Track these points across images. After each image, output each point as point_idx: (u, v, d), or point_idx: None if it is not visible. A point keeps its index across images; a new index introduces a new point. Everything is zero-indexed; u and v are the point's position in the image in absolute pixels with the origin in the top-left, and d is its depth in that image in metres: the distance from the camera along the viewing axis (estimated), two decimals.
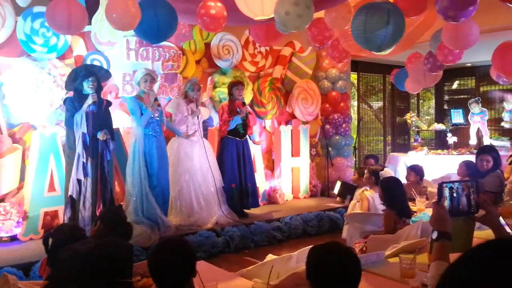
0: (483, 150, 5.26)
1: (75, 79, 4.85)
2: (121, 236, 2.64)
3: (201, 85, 6.04)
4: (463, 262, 0.75)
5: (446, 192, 1.91)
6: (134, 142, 5.22)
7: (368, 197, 4.38)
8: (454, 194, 1.92)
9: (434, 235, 1.77)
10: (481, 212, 1.98)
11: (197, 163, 5.68)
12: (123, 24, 3.99)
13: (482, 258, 0.74)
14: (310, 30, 5.28)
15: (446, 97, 11.52)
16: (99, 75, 5.00)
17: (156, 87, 6.19)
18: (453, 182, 1.97)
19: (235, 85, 6.11)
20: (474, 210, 1.95)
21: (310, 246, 1.80)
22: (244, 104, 6.08)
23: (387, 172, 4.66)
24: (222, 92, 6.76)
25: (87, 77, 4.83)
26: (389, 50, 4.33)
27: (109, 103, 5.11)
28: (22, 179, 5.18)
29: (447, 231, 1.75)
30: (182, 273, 1.89)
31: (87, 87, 4.83)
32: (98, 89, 4.94)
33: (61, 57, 5.49)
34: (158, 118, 5.27)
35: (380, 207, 3.93)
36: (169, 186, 5.40)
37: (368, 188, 4.60)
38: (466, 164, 5.21)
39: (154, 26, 4.01)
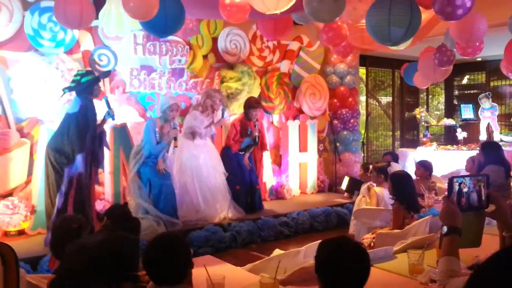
0: (481, 145, 5.31)
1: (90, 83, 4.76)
2: (129, 231, 2.63)
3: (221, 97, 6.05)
4: (491, 266, 0.70)
5: (457, 186, 1.88)
6: (136, 159, 5.26)
7: (378, 193, 4.35)
8: (465, 189, 1.89)
9: (444, 230, 1.74)
10: (491, 207, 1.94)
11: (202, 161, 5.70)
12: (140, 14, 3.94)
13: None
14: (325, 33, 5.22)
15: (456, 92, 11.43)
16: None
17: (163, 82, 6.19)
18: (463, 176, 1.94)
19: (253, 107, 6.07)
20: (485, 205, 1.92)
21: (318, 241, 1.78)
22: (255, 125, 6.07)
23: (394, 166, 4.62)
24: (229, 87, 6.75)
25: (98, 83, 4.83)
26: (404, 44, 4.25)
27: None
28: (30, 173, 5.20)
29: (457, 226, 1.73)
30: (175, 269, 1.88)
31: (96, 92, 4.80)
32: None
33: (69, 52, 5.50)
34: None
35: (390, 202, 3.91)
36: (174, 190, 5.40)
37: (375, 184, 4.56)
38: (473, 160, 5.18)
39: (162, 20, 3.98)
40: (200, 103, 5.86)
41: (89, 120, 4.69)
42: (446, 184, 1.94)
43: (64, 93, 4.75)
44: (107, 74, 5.42)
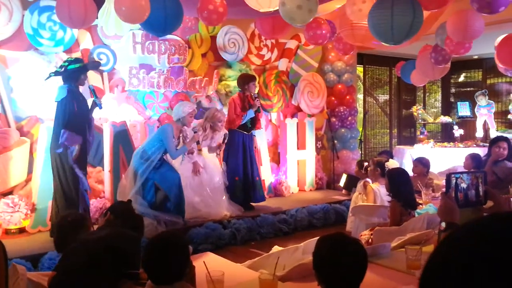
0: (499, 138, 5.28)
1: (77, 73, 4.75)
2: (132, 228, 2.65)
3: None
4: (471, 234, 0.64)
5: (455, 182, 1.90)
6: (141, 157, 5.16)
7: (375, 190, 4.39)
8: (463, 185, 1.91)
9: (442, 226, 1.77)
10: (489, 203, 1.97)
11: (202, 161, 5.72)
12: (132, 17, 3.98)
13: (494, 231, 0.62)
14: (306, 31, 5.26)
15: (453, 90, 11.46)
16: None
17: (162, 81, 6.22)
18: (461, 173, 1.95)
19: (252, 80, 6.11)
20: (482, 201, 1.94)
21: (317, 238, 1.80)
22: (255, 98, 6.10)
23: (392, 163, 4.66)
24: (228, 85, 6.77)
25: (84, 72, 4.83)
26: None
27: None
28: (30, 171, 5.23)
29: (456, 222, 1.74)
30: (172, 269, 1.89)
31: (80, 82, 4.81)
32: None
33: (68, 51, 5.52)
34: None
35: (386, 199, 3.94)
36: (180, 186, 5.31)
37: (370, 181, 4.60)
38: (472, 157, 5.22)
39: (162, 19, 4.01)
40: (201, 123, 5.86)
41: (80, 105, 4.71)
42: (443, 180, 1.97)
43: (50, 76, 4.73)
44: (96, 65, 5.32)
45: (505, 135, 8.59)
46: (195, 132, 5.40)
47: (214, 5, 4.48)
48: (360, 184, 4.89)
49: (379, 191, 4.35)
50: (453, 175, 1.90)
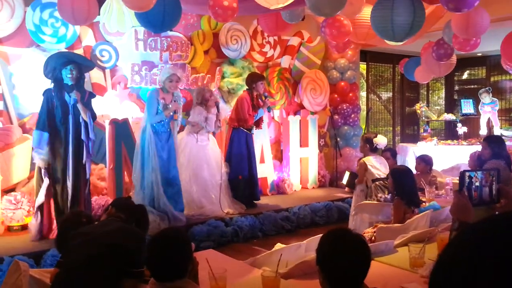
0: (484, 139, 5.31)
1: (54, 68, 4.59)
2: (136, 219, 2.63)
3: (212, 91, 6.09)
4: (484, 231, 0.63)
5: (468, 181, 1.86)
6: (143, 133, 5.19)
7: (366, 163, 4.53)
8: (476, 183, 1.86)
9: (455, 225, 1.73)
10: (501, 202, 1.93)
11: (204, 159, 5.72)
12: (139, 5, 3.93)
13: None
14: (328, 30, 5.21)
15: (456, 87, 11.43)
16: (80, 63, 4.74)
17: None
18: (476, 170, 1.92)
19: (260, 79, 6.11)
20: (496, 200, 1.91)
21: (319, 235, 1.79)
22: (266, 97, 6.11)
23: (380, 138, 4.73)
24: (230, 82, 6.75)
25: (65, 65, 4.58)
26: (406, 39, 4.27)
27: (91, 95, 4.90)
28: (32, 168, 5.19)
29: (469, 221, 1.69)
30: (175, 266, 1.88)
31: (66, 76, 4.59)
32: (80, 79, 4.70)
33: (70, 48, 5.51)
34: (167, 119, 5.21)
35: (375, 170, 4.03)
36: (179, 178, 5.37)
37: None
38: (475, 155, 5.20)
39: (160, 15, 3.98)
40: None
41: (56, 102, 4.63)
42: (447, 178, 1.95)
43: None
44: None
45: (509, 132, 8.59)
46: (175, 101, 5.29)
47: (229, 0, 4.40)
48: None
49: (370, 161, 4.63)
50: (467, 173, 1.84)
